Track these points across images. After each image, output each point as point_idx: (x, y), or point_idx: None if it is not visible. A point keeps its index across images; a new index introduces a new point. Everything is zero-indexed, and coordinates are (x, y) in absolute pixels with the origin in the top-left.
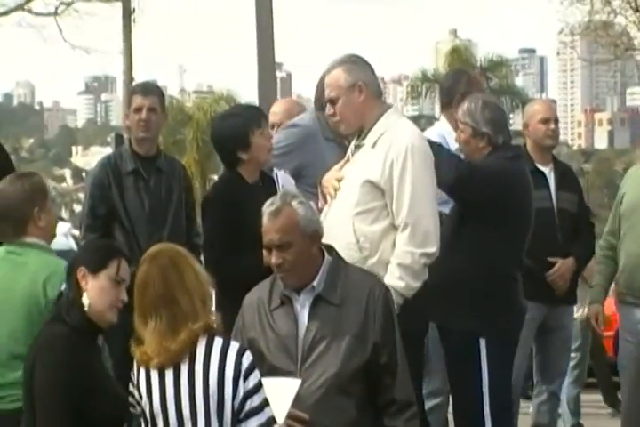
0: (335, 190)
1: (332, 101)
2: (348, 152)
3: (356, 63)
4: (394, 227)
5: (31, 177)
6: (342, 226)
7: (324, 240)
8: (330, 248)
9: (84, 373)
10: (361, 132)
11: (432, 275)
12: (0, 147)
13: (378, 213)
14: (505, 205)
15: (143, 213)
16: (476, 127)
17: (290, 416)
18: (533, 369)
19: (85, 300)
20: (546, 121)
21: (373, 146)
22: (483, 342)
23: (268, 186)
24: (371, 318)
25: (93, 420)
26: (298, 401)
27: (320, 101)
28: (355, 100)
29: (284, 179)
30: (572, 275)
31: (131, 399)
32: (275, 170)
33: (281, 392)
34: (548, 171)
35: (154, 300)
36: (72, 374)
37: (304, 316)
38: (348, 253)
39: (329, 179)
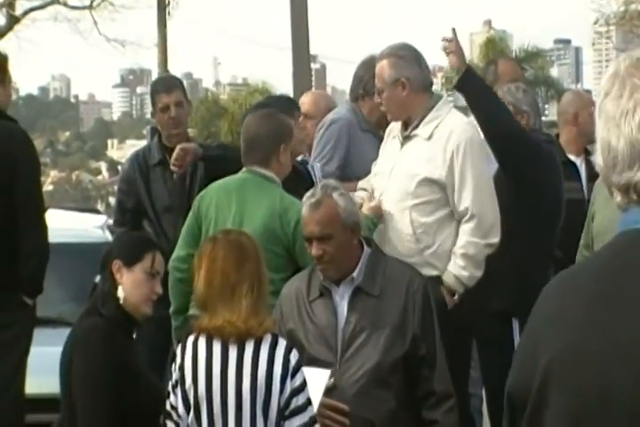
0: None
1: (379, 92)
2: (388, 142)
3: (402, 57)
4: (451, 217)
5: (278, 116)
6: (398, 218)
7: (378, 232)
8: (369, 240)
9: (119, 363)
10: (407, 123)
11: None
12: (25, 140)
13: (435, 204)
14: (535, 180)
15: (168, 202)
16: (517, 105)
17: (330, 408)
18: None
19: (120, 293)
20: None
21: (429, 138)
22: (516, 323)
23: (300, 178)
24: (410, 310)
25: (131, 409)
26: (337, 392)
27: (355, 93)
28: (398, 95)
29: (319, 171)
30: None
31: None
32: (310, 162)
33: (311, 382)
34: (579, 162)
35: (252, 274)
36: (108, 364)
37: (343, 307)
38: (405, 244)
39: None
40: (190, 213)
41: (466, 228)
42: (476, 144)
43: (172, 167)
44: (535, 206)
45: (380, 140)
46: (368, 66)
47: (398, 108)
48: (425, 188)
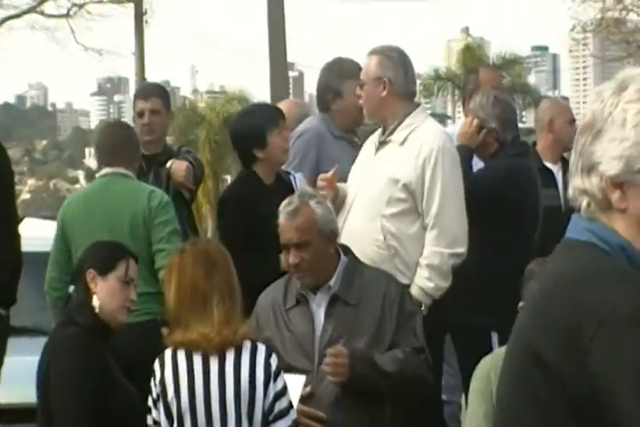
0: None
1: (361, 85)
2: (369, 148)
3: (391, 59)
4: (424, 228)
5: (130, 126)
6: (369, 223)
7: (349, 237)
8: (346, 248)
9: (98, 372)
10: (384, 129)
11: None
12: None
13: (407, 213)
14: (513, 204)
15: None
16: (484, 121)
17: (307, 415)
18: None
19: (96, 301)
20: (573, 122)
21: (402, 143)
22: (495, 337)
23: (283, 187)
24: (387, 319)
25: (109, 418)
26: (315, 400)
27: (323, 102)
28: (377, 93)
29: (301, 182)
30: None
31: (149, 403)
32: (292, 172)
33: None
34: (556, 169)
35: (221, 284)
36: (86, 374)
37: (320, 315)
38: (375, 250)
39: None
40: (57, 232)
41: (430, 237)
42: (448, 153)
43: (190, 186)
44: (514, 222)
45: (355, 146)
46: (330, 70)
47: (374, 105)
48: (396, 193)
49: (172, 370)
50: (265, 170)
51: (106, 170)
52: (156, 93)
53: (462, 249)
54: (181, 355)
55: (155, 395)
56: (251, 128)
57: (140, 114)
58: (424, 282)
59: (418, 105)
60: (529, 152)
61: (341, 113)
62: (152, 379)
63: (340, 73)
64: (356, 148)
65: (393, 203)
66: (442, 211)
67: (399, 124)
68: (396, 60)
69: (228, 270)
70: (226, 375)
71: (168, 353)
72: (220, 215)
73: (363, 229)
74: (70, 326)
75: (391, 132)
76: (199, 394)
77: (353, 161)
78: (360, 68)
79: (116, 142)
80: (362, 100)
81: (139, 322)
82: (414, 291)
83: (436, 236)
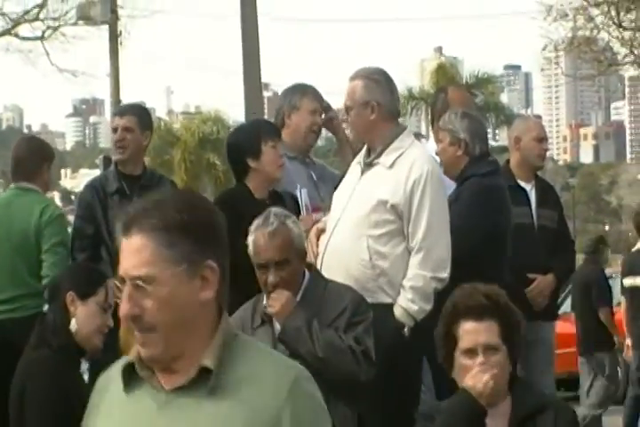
0: (315, 255)
1: (347, 109)
2: (355, 169)
3: (377, 82)
4: (409, 250)
5: (40, 140)
6: (354, 243)
7: (333, 256)
8: (309, 265)
9: (72, 394)
10: (369, 150)
11: None
12: None
13: (394, 234)
14: (487, 231)
15: None
16: (454, 134)
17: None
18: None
19: (73, 325)
20: (540, 140)
21: (391, 167)
22: None
23: (275, 205)
24: (338, 327)
25: None
26: None
27: (279, 115)
28: (365, 117)
29: (306, 196)
30: (551, 291)
31: None
32: (299, 186)
33: None
34: (529, 188)
35: None
36: (62, 397)
37: None
38: (360, 269)
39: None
40: None
41: (414, 260)
42: (435, 177)
43: None
44: (488, 247)
45: (307, 164)
46: (293, 88)
47: (363, 129)
48: (384, 215)
49: None
50: (256, 184)
51: (12, 184)
52: (131, 111)
53: (445, 274)
54: None
55: None
56: (247, 137)
57: (114, 130)
58: (408, 304)
59: (405, 128)
60: (498, 171)
61: (293, 130)
62: None
63: (301, 92)
64: (309, 166)
65: (380, 224)
66: (428, 235)
67: (386, 146)
68: (382, 83)
69: None
70: None
71: None
72: None
73: (348, 248)
74: (43, 348)
75: (379, 155)
76: None
77: (307, 178)
78: (320, 96)
79: (19, 157)
80: (346, 124)
81: (27, 316)
82: (398, 312)
83: (420, 259)
